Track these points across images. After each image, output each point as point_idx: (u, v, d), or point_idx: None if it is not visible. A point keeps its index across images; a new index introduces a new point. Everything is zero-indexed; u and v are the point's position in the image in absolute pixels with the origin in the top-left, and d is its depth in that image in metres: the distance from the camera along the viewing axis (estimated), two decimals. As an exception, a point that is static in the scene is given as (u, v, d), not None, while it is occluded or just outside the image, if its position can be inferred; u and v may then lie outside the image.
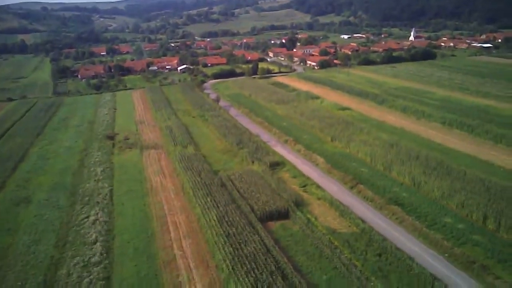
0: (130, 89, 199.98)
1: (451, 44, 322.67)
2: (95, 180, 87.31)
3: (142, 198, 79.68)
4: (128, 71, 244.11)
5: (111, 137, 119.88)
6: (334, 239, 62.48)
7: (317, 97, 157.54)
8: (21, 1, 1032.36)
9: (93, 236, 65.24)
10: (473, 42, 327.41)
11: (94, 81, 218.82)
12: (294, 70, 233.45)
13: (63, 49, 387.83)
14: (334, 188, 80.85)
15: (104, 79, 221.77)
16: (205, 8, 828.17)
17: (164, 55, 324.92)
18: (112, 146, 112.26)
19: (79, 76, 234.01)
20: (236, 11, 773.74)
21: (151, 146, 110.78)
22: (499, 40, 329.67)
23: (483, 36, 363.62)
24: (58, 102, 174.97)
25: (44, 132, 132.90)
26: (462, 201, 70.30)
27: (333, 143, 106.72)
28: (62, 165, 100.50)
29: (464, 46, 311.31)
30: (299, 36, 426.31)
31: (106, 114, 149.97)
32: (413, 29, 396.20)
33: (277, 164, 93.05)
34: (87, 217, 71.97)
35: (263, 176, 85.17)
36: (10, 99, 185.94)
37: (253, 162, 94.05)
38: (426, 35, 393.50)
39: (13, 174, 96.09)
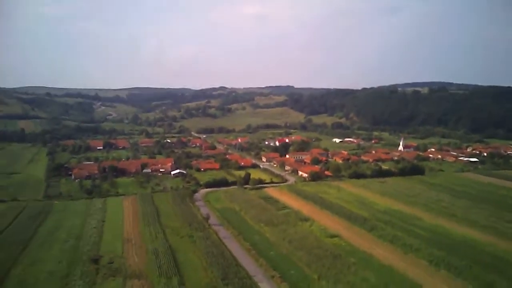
0: (122, 195, 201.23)
1: (439, 156, 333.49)
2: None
3: None
4: (122, 172, 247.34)
5: (96, 260, 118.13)
6: None
7: (306, 219, 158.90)
8: (28, 85, 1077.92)
9: None
10: (460, 155, 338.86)
11: (87, 182, 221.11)
12: (286, 180, 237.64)
13: (61, 139, 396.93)
14: None
15: (97, 181, 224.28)
16: (204, 102, 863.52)
17: (160, 152, 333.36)
18: (95, 273, 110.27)
19: (72, 176, 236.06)
20: (233, 106, 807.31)
21: (135, 275, 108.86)
22: (485, 154, 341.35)
23: (469, 149, 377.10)
24: (48, 209, 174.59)
25: (29, 246, 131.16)
26: None
27: (320, 283, 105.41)
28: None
29: (452, 159, 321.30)
30: (293, 137, 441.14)
31: (94, 227, 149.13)
32: (402, 138, 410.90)
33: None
34: None
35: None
36: (1, 201, 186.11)
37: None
38: (414, 143, 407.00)
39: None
